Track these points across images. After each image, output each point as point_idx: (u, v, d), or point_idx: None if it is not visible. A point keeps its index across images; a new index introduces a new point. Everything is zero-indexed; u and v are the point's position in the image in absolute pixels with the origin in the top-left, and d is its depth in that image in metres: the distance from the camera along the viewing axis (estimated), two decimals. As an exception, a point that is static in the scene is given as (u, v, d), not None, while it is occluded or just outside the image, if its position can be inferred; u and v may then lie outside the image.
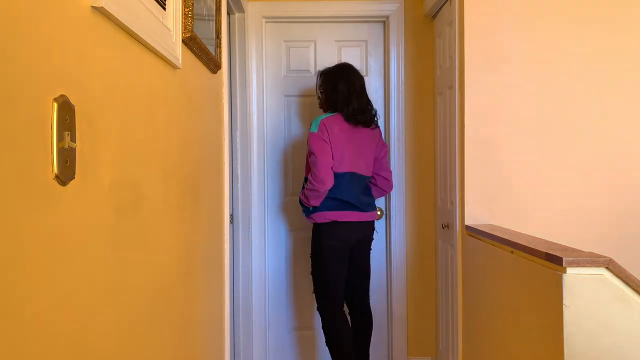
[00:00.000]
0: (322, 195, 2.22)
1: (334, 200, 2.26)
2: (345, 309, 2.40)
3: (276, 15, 2.74)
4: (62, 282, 0.67)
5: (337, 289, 2.30)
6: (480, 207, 2.20)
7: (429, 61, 2.75)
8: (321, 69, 2.43)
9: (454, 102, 2.29)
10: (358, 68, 2.80)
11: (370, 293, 2.89)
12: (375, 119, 2.37)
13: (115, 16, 0.81)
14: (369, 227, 2.38)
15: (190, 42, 1.31)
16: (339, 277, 2.29)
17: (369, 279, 2.47)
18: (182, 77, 1.30)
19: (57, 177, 0.65)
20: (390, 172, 2.47)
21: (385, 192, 2.48)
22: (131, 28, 0.88)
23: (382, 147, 2.42)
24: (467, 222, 2.20)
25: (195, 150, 1.43)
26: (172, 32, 1.17)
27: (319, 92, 2.41)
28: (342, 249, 2.28)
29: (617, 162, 2.23)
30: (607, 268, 1.35)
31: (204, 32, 1.48)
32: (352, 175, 2.27)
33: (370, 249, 2.46)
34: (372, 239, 2.44)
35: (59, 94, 0.66)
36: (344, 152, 2.24)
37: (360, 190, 2.32)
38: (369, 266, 2.46)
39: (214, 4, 1.62)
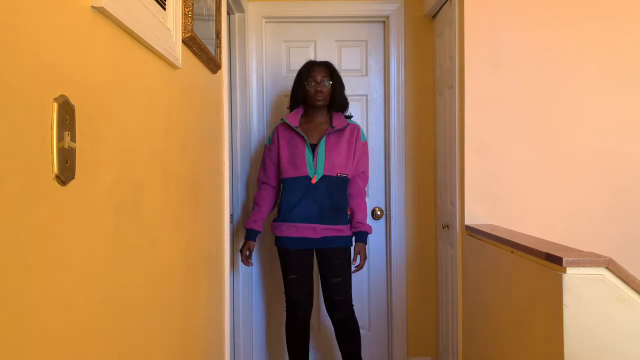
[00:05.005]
0: None
1: None
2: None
3: (276, 15, 2.74)
4: (62, 282, 0.68)
5: None
6: (480, 207, 2.20)
7: (429, 61, 2.75)
8: (323, 61, 2.41)
9: (454, 102, 2.29)
10: (358, 68, 2.82)
11: (370, 293, 2.88)
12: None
13: (115, 16, 0.81)
14: None
15: (190, 42, 1.31)
16: None
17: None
18: (182, 77, 1.30)
19: (57, 177, 0.65)
20: None
21: None
22: (131, 28, 0.88)
23: None
24: (467, 222, 2.20)
25: (195, 150, 1.43)
26: (172, 32, 1.17)
27: (328, 84, 2.32)
28: None
29: (617, 161, 2.23)
30: (607, 268, 1.35)
31: (204, 32, 1.48)
32: None
33: None
34: None
35: (59, 94, 0.66)
36: None
37: None
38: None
39: (214, 4, 1.62)
